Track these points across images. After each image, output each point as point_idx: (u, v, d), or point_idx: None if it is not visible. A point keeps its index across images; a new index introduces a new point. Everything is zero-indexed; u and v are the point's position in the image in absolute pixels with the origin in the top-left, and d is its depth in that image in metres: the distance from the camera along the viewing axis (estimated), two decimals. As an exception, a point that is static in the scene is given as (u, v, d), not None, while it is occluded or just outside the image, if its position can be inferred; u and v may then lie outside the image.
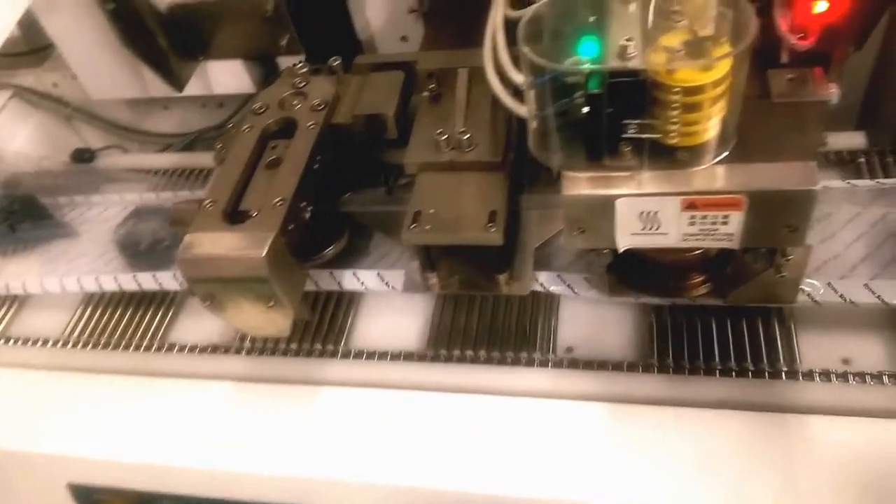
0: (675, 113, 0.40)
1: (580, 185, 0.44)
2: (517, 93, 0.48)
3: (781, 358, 0.53)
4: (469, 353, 0.58)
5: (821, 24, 0.46)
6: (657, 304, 0.56)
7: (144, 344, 0.65)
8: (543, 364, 0.57)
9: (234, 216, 0.51)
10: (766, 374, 0.53)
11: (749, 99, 0.46)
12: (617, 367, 0.55)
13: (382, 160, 0.61)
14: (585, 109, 0.41)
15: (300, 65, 0.63)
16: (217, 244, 0.48)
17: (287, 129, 0.57)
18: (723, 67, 0.39)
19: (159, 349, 0.64)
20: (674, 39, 0.39)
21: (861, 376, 0.51)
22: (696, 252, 0.50)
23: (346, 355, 0.60)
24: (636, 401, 0.53)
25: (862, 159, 0.63)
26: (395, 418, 0.55)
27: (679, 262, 0.51)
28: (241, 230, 0.49)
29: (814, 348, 0.54)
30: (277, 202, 0.50)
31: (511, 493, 0.51)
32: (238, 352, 0.62)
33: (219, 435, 0.57)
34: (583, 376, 0.55)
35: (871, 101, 0.73)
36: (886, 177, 0.60)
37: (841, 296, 0.51)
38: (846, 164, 0.63)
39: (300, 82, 0.61)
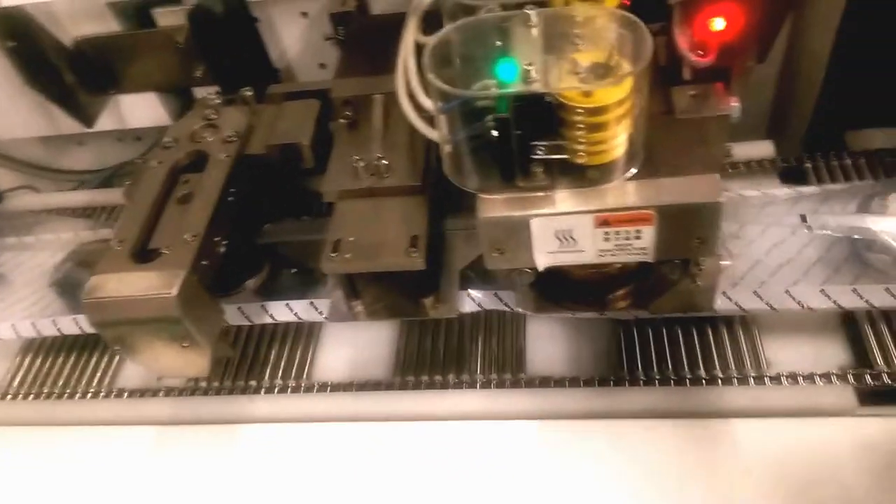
0: (581, 133, 0.40)
1: (495, 207, 0.44)
2: (431, 117, 0.48)
3: (702, 365, 0.54)
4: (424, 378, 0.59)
5: (719, 42, 0.48)
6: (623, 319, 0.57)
7: (91, 391, 0.64)
8: (485, 385, 0.57)
9: (144, 255, 0.49)
10: (688, 381, 0.54)
11: (654, 116, 0.47)
12: (574, 382, 0.57)
13: (304, 189, 0.61)
14: (495, 133, 0.41)
15: (213, 96, 0.62)
16: (125, 285, 0.46)
17: (198, 162, 0.56)
18: (624, 87, 0.39)
19: (107, 395, 0.63)
20: (575, 62, 0.40)
21: (777, 378, 0.53)
22: (616, 266, 0.50)
23: (309, 389, 0.60)
24: (577, 416, 0.54)
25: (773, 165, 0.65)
26: (351, 450, 0.55)
27: (600, 276, 0.52)
28: (150, 269, 0.47)
29: (734, 353, 0.56)
30: (189, 238, 0.48)
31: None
32: (181, 393, 0.61)
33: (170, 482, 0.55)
34: (537, 394, 0.56)
35: (779, 110, 0.77)
36: (798, 184, 0.63)
37: (767, 303, 0.52)
38: (756, 172, 0.66)
39: (212, 114, 0.59)
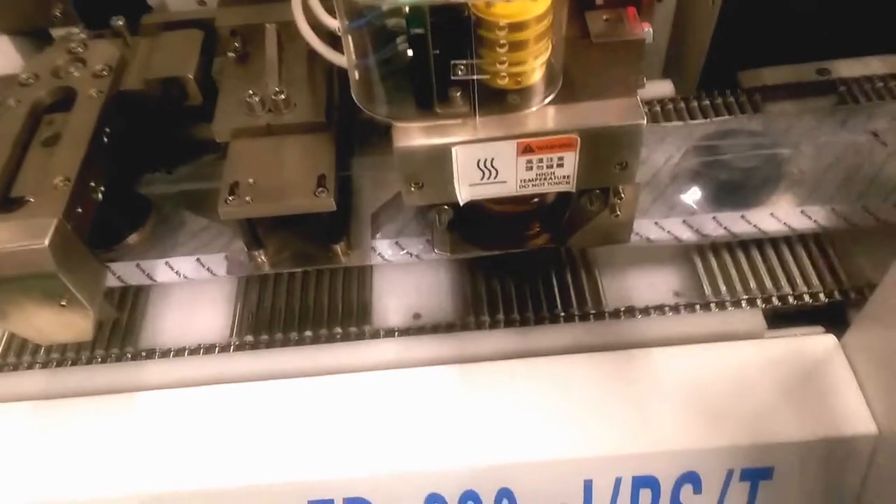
0: (501, 51, 0.38)
1: (413, 135, 0.40)
2: (333, 43, 0.44)
3: (617, 298, 0.55)
4: (308, 333, 0.54)
5: (629, -35, 0.47)
6: (495, 262, 0.56)
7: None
8: (389, 334, 0.54)
9: (5, 205, 0.42)
10: (607, 315, 0.54)
11: (570, 40, 0.45)
12: (464, 327, 0.54)
13: (190, 133, 0.55)
14: (410, 52, 0.38)
15: (77, 33, 0.54)
16: (-16, 239, 0.39)
17: (65, 101, 0.49)
18: (545, 2, 0.37)
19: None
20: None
21: (691, 306, 0.54)
22: (534, 201, 0.49)
23: (150, 356, 0.54)
24: (488, 358, 0.52)
25: (670, 106, 0.65)
26: (229, 415, 0.50)
27: (518, 213, 0.50)
28: (14, 219, 0.40)
29: (647, 285, 0.56)
30: (59, 182, 0.42)
31: (368, 473, 0.47)
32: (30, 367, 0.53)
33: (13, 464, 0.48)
34: (432, 341, 0.53)
35: (674, 50, 0.77)
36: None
37: (668, 232, 0.53)
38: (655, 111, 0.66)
39: (78, 48, 0.52)
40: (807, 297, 0.53)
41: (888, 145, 0.57)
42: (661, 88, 0.69)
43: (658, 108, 0.65)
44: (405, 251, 0.52)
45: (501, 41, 0.37)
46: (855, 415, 0.47)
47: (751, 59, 0.69)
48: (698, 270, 0.56)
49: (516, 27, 0.37)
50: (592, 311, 0.55)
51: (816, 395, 0.48)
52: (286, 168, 0.47)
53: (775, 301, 0.53)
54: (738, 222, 0.54)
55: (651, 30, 0.47)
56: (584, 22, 0.47)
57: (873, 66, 0.65)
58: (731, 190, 0.56)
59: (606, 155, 0.42)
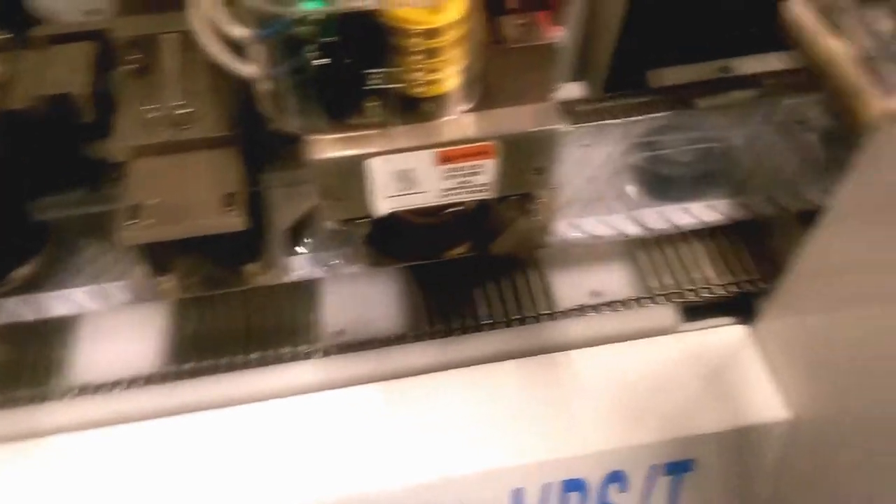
0: (417, 59, 0.37)
1: (327, 147, 0.39)
2: (239, 53, 0.42)
3: (538, 302, 0.55)
4: (224, 360, 0.52)
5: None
6: (417, 272, 0.55)
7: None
8: (311, 355, 0.52)
9: None
10: (528, 320, 0.54)
11: (486, 46, 0.45)
12: (388, 342, 0.53)
13: (86, 153, 0.51)
14: (322, 61, 0.36)
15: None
16: None
17: (-61, 120, 0.44)
18: (459, 7, 0.37)
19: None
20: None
21: (611, 305, 0.55)
22: (454, 209, 0.48)
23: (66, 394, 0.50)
24: (415, 373, 0.52)
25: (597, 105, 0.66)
26: (148, 454, 0.47)
27: (437, 222, 0.49)
28: None
29: (566, 287, 0.56)
30: (-66, 211, 0.38)
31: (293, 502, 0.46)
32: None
33: None
34: (356, 359, 0.52)
35: (584, 52, 0.79)
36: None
37: (584, 233, 0.54)
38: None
39: (-48, 63, 0.47)
40: (719, 290, 0.55)
41: (797, 139, 0.59)
42: (572, 91, 0.70)
43: (585, 108, 0.66)
44: (323, 266, 0.50)
45: (416, 49, 0.37)
46: (768, 402, 0.49)
47: (658, 58, 0.71)
48: (615, 269, 0.57)
49: (431, 34, 0.36)
50: (516, 317, 0.55)
51: (731, 386, 0.50)
52: (191, 186, 0.45)
53: (689, 296, 0.55)
54: (654, 216, 0.55)
55: (564, 32, 0.47)
56: (498, 27, 0.47)
57: (771, 63, 0.68)
58: (659, 185, 0.57)
59: (524, 161, 0.42)
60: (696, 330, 0.54)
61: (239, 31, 0.40)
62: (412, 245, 0.51)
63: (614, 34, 0.67)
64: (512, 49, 0.45)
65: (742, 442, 0.50)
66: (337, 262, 0.50)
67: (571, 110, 0.65)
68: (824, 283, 0.45)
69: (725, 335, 0.53)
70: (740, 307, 0.56)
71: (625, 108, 0.65)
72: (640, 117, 0.63)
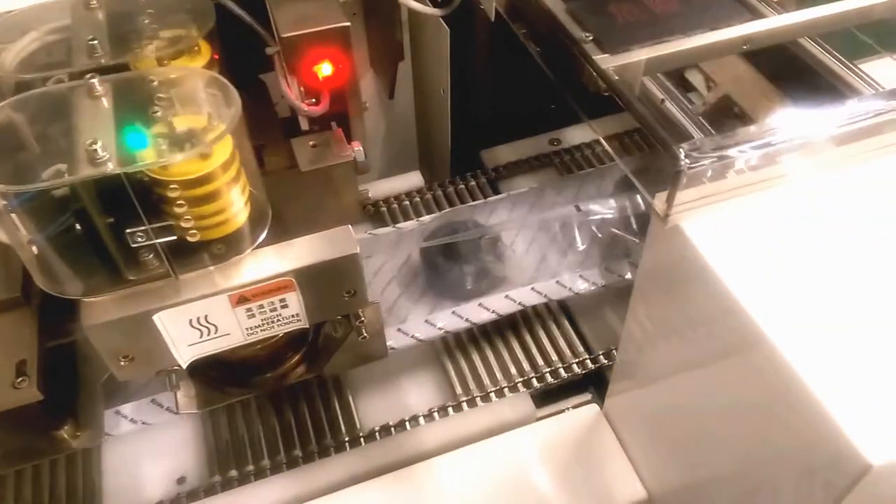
0: (186, 208, 0.35)
1: (104, 310, 0.36)
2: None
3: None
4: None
5: (329, 88, 0.46)
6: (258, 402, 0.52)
7: None
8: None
9: None
10: (378, 435, 0.53)
11: (279, 173, 0.44)
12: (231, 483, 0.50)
13: None
14: (79, 227, 0.34)
15: None
16: None
17: None
18: (225, 150, 0.36)
19: None
20: (159, 130, 0.34)
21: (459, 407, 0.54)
22: (279, 337, 0.46)
23: None
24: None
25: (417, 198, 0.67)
26: None
27: (262, 354, 0.47)
28: None
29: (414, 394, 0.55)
30: None
31: None
32: None
33: None
34: None
35: (424, 142, 0.80)
36: (441, 208, 0.65)
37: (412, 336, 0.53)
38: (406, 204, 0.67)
39: None
40: (562, 372, 0.54)
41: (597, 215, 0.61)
42: (411, 181, 0.70)
43: (406, 202, 0.66)
44: (144, 419, 0.47)
45: (180, 199, 0.35)
46: (623, 482, 0.49)
47: (490, 138, 0.73)
48: (462, 368, 0.56)
49: (192, 184, 0.35)
50: (362, 434, 0.53)
51: (588, 469, 0.50)
52: (-23, 359, 0.41)
53: (535, 383, 0.54)
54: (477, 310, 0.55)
55: (361, 148, 0.47)
56: (292, 150, 0.46)
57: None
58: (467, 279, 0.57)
59: (331, 287, 0.41)
60: (551, 416, 0.53)
61: (-9, 202, 0.37)
62: (242, 378, 0.48)
63: (446, 120, 0.68)
64: (306, 173, 0.44)
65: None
66: (160, 412, 0.47)
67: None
68: (644, 354, 0.45)
69: (578, 417, 0.52)
70: (595, 384, 0.56)
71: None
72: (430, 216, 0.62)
